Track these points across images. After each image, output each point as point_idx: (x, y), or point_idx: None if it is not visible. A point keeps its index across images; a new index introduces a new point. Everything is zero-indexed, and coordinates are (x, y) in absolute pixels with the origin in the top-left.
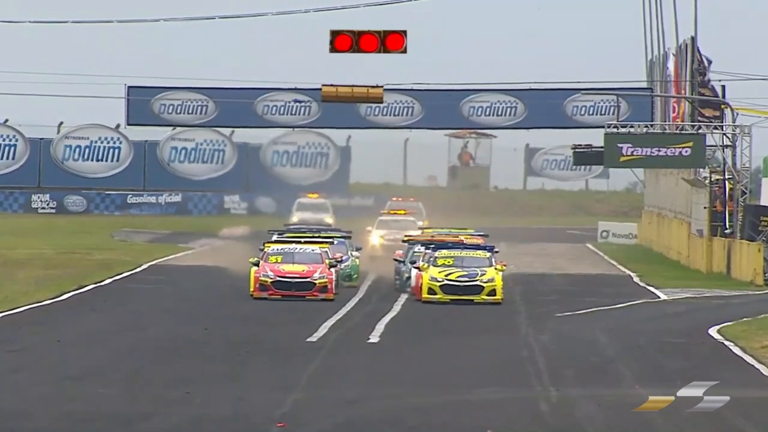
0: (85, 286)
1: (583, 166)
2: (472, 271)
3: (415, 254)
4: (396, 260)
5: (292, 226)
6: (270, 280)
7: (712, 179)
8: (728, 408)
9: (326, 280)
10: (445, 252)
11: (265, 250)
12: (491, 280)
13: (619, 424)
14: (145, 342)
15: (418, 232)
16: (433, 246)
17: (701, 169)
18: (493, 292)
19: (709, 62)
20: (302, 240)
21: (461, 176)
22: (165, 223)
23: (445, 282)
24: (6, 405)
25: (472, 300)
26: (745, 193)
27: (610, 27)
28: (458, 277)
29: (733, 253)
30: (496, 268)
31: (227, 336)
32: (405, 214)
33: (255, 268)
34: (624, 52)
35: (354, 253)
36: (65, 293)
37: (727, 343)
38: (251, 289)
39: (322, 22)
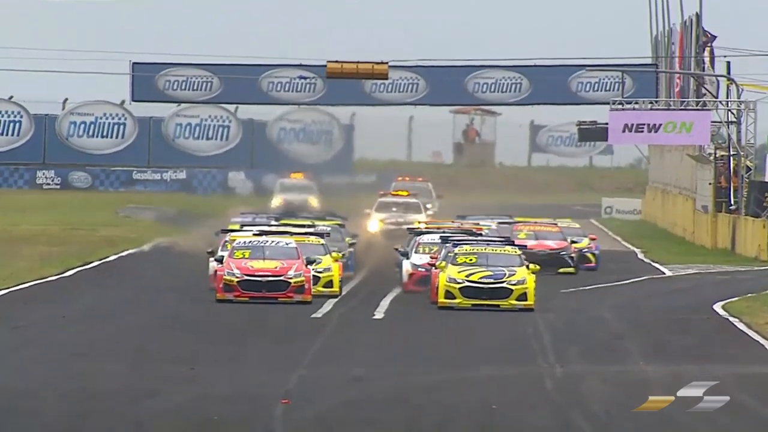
0: (90, 262)
1: (587, 143)
2: (499, 271)
3: (422, 245)
4: (397, 250)
5: (270, 214)
6: (236, 280)
7: (717, 155)
8: (733, 383)
9: (303, 278)
10: (467, 248)
11: (226, 238)
12: (522, 282)
13: (624, 400)
14: (149, 319)
15: (424, 217)
16: (446, 238)
17: (706, 145)
18: (523, 297)
19: (714, 37)
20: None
21: (466, 153)
22: (170, 200)
23: (466, 284)
24: (11, 382)
25: (498, 306)
26: (750, 170)
27: (615, 3)
28: (482, 277)
29: (737, 229)
30: (528, 268)
31: (232, 314)
32: (408, 195)
33: (214, 263)
34: (629, 29)
35: (349, 240)
36: (70, 269)
37: (731, 319)
38: (215, 290)
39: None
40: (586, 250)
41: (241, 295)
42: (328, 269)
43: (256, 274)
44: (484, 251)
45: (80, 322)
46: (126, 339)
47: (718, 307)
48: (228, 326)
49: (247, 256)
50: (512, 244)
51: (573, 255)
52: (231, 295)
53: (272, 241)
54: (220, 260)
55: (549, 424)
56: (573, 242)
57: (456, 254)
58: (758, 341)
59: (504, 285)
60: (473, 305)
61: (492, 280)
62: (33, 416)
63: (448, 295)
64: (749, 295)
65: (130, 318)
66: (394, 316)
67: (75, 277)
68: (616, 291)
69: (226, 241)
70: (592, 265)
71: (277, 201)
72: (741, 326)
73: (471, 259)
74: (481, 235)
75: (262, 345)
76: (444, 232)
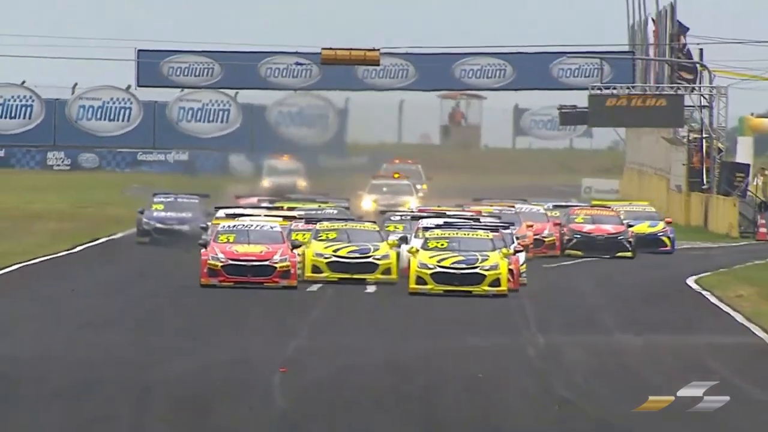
0: (98, 239)
1: (568, 126)
2: (471, 256)
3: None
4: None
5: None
6: (220, 264)
7: (690, 138)
8: (705, 353)
9: (288, 263)
10: (438, 232)
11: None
12: (494, 267)
13: (603, 368)
14: (154, 293)
15: (415, 199)
16: (441, 222)
17: (680, 128)
18: (496, 282)
19: (687, 29)
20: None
21: (453, 135)
22: (173, 181)
23: (438, 269)
24: (24, 351)
25: (471, 291)
26: (721, 151)
27: None
28: (454, 263)
29: (709, 207)
30: (502, 252)
31: (230, 288)
32: (399, 177)
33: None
34: (607, 18)
35: None
36: (79, 245)
37: (704, 292)
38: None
39: None
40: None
41: (225, 280)
42: (386, 256)
43: (240, 258)
44: (455, 236)
45: (89, 296)
46: (132, 311)
47: (691, 281)
48: (228, 300)
49: (231, 240)
50: (505, 227)
51: (630, 239)
52: (215, 280)
53: (257, 225)
54: (204, 245)
55: (531, 390)
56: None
57: (427, 239)
58: (729, 313)
59: (477, 271)
60: (445, 291)
61: (464, 266)
62: (44, 383)
63: (420, 280)
64: (720, 270)
65: (136, 291)
66: (385, 290)
67: (83, 252)
68: (595, 266)
69: (217, 218)
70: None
71: (266, 183)
72: (713, 299)
73: (442, 244)
74: (478, 220)
75: (260, 317)
76: (449, 217)
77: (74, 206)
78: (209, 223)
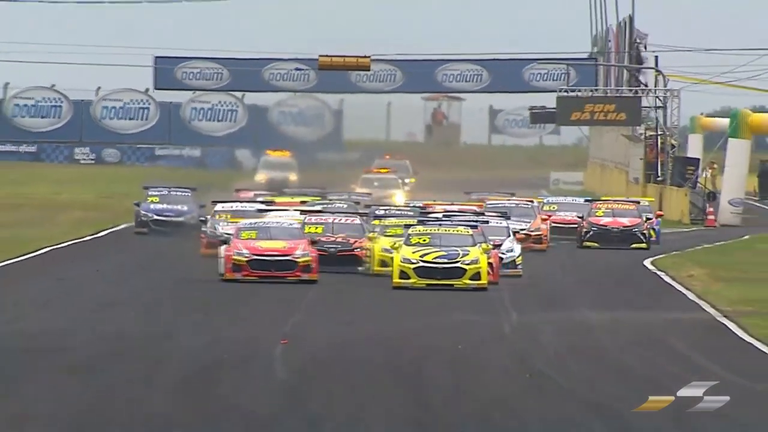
0: (119, 225)
1: (538, 125)
2: (453, 251)
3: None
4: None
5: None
6: (245, 259)
7: (647, 135)
8: (660, 327)
9: (309, 258)
10: (420, 228)
11: (214, 217)
12: (475, 262)
13: (572, 342)
14: (170, 275)
15: (402, 192)
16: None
17: (637, 127)
18: (477, 276)
19: (645, 35)
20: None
21: (435, 133)
22: (187, 175)
23: (421, 264)
24: (52, 325)
25: (453, 285)
26: (674, 147)
27: (561, 6)
28: (436, 258)
29: (663, 197)
30: (481, 247)
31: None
32: (387, 172)
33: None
34: (572, 28)
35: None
36: (102, 231)
37: (659, 273)
38: (223, 270)
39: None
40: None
41: (249, 275)
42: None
43: (264, 253)
44: (436, 232)
45: (111, 277)
46: (150, 291)
47: (648, 263)
48: (235, 282)
49: (254, 236)
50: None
51: (645, 231)
52: (239, 275)
53: (277, 222)
54: (226, 241)
55: (507, 361)
56: (648, 219)
57: (409, 235)
58: (681, 291)
59: (458, 265)
60: (427, 285)
61: (446, 260)
62: (71, 353)
63: (403, 275)
64: (674, 252)
65: (154, 274)
66: (375, 280)
67: (107, 238)
68: (563, 251)
69: (216, 212)
70: (653, 239)
71: (260, 177)
72: (667, 279)
73: (424, 240)
74: (483, 214)
75: (263, 296)
76: (453, 213)
77: (98, 197)
78: (208, 216)
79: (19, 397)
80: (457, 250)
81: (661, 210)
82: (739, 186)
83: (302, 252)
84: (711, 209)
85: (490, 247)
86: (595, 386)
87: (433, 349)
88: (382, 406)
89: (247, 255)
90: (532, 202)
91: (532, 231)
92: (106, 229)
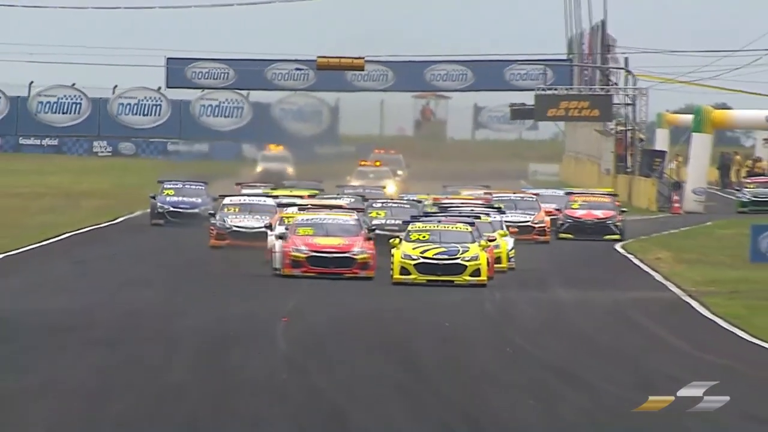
0: (134, 212)
1: (518, 120)
2: (453, 247)
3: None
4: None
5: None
6: (303, 256)
7: (617, 130)
8: (629, 306)
9: (367, 255)
10: (419, 225)
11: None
12: (475, 258)
13: (543, 317)
14: (182, 258)
15: (393, 183)
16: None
17: (609, 122)
18: (477, 272)
19: (615, 40)
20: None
21: (424, 129)
22: (197, 167)
23: (421, 260)
24: (73, 304)
25: (453, 281)
26: (642, 140)
27: (539, 11)
28: (436, 254)
29: (633, 186)
30: (480, 244)
31: (244, 256)
32: (380, 165)
33: (273, 238)
34: (549, 32)
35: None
36: (119, 218)
37: (629, 256)
38: (278, 265)
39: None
40: (610, 221)
41: (308, 271)
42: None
43: (323, 250)
44: (436, 228)
45: (127, 259)
46: (163, 273)
47: (618, 247)
48: (241, 265)
49: (310, 233)
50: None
51: (618, 223)
52: (298, 271)
53: (333, 218)
54: (282, 237)
55: (488, 334)
56: (623, 211)
57: (409, 231)
58: (649, 272)
59: (458, 261)
60: (428, 281)
61: (446, 257)
62: (89, 329)
63: (404, 271)
64: (642, 237)
65: (166, 257)
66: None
67: (122, 224)
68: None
69: (224, 205)
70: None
71: (258, 169)
72: (636, 261)
73: (424, 236)
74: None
75: (266, 278)
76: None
77: (115, 186)
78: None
79: (46, 369)
80: (457, 247)
81: (622, 199)
82: (701, 176)
83: (360, 249)
84: (676, 198)
85: (488, 243)
86: (565, 357)
87: (421, 325)
88: (375, 376)
89: (305, 251)
90: (536, 196)
91: (536, 223)
92: (122, 217)
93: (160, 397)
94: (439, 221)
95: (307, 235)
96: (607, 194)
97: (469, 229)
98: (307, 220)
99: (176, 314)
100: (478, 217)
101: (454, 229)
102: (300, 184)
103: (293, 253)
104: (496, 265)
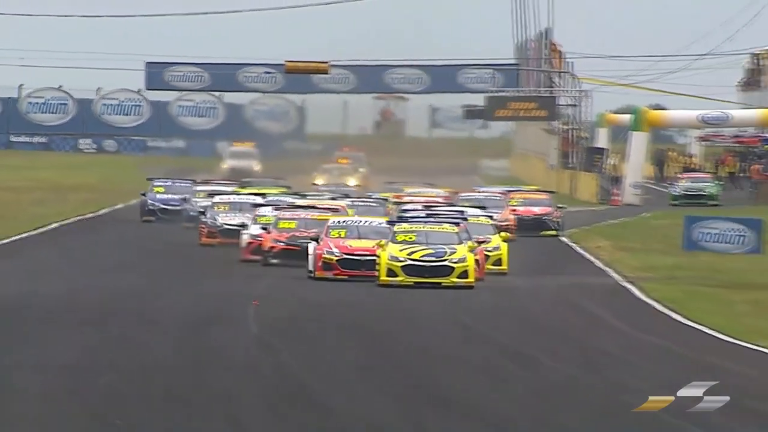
0: (117, 204)
1: (470, 120)
2: (440, 249)
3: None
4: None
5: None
6: (336, 258)
7: (562, 129)
8: (573, 290)
9: None
10: (406, 226)
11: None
12: (462, 260)
13: (501, 304)
14: (163, 247)
15: (355, 179)
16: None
17: (554, 122)
18: (464, 274)
19: (560, 46)
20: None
21: (384, 128)
22: (175, 163)
23: (408, 262)
24: (58, 290)
25: (440, 283)
26: (585, 139)
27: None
28: (423, 256)
29: (576, 180)
30: (468, 245)
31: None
32: (345, 162)
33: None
34: (498, 38)
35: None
36: (103, 209)
37: (572, 244)
38: (312, 268)
39: (287, 16)
40: (546, 217)
41: (340, 273)
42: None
43: (354, 253)
44: (422, 229)
45: (109, 247)
46: (145, 259)
47: (562, 237)
48: (216, 253)
49: (343, 235)
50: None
51: (556, 219)
52: (330, 273)
53: (365, 221)
54: (315, 239)
55: (445, 319)
56: (560, 207)
57: (395, 232)
58: (591, 260)
59: (446, 263)
60: (415, 283)
61: (433, 258)
62: (74, 312)
63: (390, 273)
64: (584, 227)
65: (149, 245)
66: None
67: (107, 215)
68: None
69: (214, 203)
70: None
71: (224, 166)
72: (579, 249)
73: (410, 237)
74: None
75: (240, 263)
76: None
77: (100, 181)
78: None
79: (38, 348)
80: (444, 248)
81: (566, 192)
82: (639, 172)
83: None
84: (616, 191)
85: (475, 245)
86: (514, 336)
87: (393, 311)
88: (342, 356)
89: (338, 254)
90: (502, 195)
91: (501, 222)
92: (106, 208)
93: (147, 373)
94: (426, 222)
95: (339, 237)
96: (545, 191)
97: (455, 229)
98: (341, 222)
99: (155, 296)
100: (466, 219)
101: (441, 230)
102: (265, 182)
103: (325, 255)
104: (496, 267)
